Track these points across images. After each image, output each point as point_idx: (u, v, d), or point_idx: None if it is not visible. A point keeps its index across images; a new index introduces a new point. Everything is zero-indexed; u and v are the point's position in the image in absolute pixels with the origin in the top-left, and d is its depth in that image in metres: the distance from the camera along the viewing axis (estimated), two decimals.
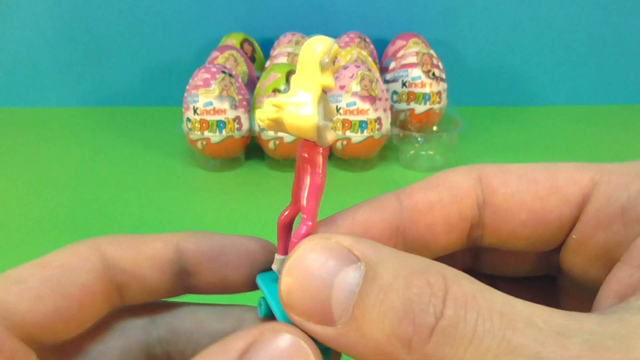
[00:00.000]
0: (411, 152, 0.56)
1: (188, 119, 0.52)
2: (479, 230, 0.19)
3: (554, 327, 0.12)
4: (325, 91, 0.17)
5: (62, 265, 0.17)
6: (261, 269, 0.20)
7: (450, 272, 0.14)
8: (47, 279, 0.17)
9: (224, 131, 0.51)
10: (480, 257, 0.21)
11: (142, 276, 0.18)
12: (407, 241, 0.18)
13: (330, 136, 0.17)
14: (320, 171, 0.17)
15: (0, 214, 0.47)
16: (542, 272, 0.21)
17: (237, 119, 0.51)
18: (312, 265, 0.14)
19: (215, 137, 0.51)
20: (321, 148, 0.17)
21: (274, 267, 0.18)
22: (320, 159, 0.17)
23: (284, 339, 0.14)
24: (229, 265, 0.19)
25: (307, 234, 0.17)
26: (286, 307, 0.15)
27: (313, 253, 0.15)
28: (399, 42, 0.64)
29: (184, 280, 0.19)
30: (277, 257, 0.19)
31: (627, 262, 0.15)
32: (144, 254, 0.19)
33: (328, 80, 0.16)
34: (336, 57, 0.17)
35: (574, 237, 0.18)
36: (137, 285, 0.18)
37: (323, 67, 0.16)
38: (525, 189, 0.18)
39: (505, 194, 0.18)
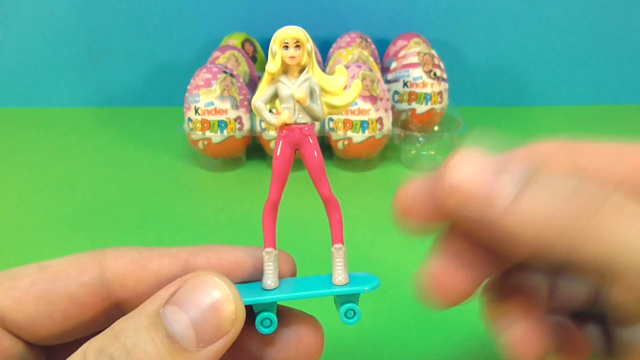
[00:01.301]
0: (412, 152, 0.56)
1: (189, 119, 0.52)
2: None
3: None
4: (282, 76, 0.19)
5: (57, 272, 0.18)
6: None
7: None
8: (36, 283, 0.17)
9: (225, 131, 0.51)
10: None
11: (145, 294, 0.18)
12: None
13: (268, 116, 0.19)
14: (275, 150, 0.20)
15: (1, 214, 0.47)
16: None
17: (238, 119, 0.51)
18: (484, 159, 0.16)
19: (216, 137, 0.51)
20: (279, 130, 0.19)
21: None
22: (276, 140, 0.20)
23: (202, 277, 0.16)
24: (245, 281, 0.19)
25: (265, 206, 0.19)
26: (453, 191, 0.16)
27: (478, 155, 0.17)
28: (401, 42, 0.64)
29: None
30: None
31: None
32: (147, 270, 0.19)
33: (269, 65, 0.19)
34: (285, 41, 0.18)
35: None
36: (139, 301, 0.18)
37: (272, 54, 0.19)
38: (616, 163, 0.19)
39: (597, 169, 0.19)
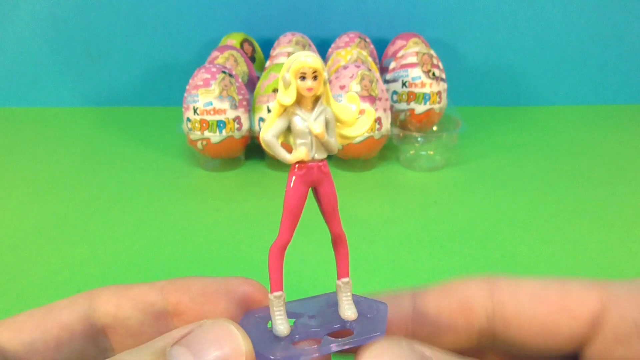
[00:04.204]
0: (411, 152, 0.56)
1: (188, 119, 0.52)
2: (489, 337, 0.20)
3: None
4: (295, 108, 0.17)
5: (53, 305, 0.19)
6: (247, 305, 0.20)
7: None
8: (33, 315, 0.19)
9: (224, 131, 0.51)
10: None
11: (125, 317, 0.19)
12: (414, 337, 0.19)
13: (282, 152, 0.17)
14: (290, 189, 0.18)
15: (0, 214, 0.47)
16: None
17: (237, 119, 0.51)
18: None
19: (215, 137, 0.51)
20: (292, 165, 0.18)
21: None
22: (289, 176, 0.18)
23: (217, 324, 0.16)
24: (212, 305, 0.20)
25: (273, 248, 0.18)
26: None
27: (391, 354, 0.16)
28: (399, 42, 0.64)
29: (169, 322, 0.20)
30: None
31: None
32: (127, 296, 0.20)
33: (282, 97, 0.17)
34: (301, 71, 0.17)
35: (592, 349, 0.19)
36: (120, 327, 0.19)
37: (285, 84, 0.17)
38: (537, 307, 0.19)
39: (516, 310, 0.19)
